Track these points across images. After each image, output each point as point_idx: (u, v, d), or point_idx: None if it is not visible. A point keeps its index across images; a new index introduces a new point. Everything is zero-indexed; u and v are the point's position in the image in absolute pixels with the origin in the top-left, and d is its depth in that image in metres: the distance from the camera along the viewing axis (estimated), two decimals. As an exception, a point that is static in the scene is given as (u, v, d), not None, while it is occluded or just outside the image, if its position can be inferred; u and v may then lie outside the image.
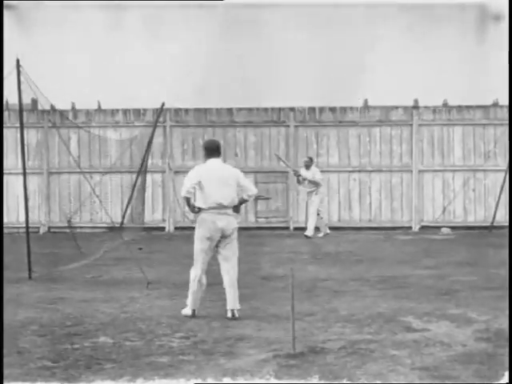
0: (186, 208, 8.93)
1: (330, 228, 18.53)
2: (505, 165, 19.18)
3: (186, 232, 17.00)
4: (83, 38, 20.14)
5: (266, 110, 20.28)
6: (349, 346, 6.99)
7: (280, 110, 20.27)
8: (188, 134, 20.22)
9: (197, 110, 20.30)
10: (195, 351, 6.93)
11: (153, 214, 19.99)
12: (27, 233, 11.90)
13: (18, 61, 11.48)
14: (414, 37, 20.39)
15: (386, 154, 20.13)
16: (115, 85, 20.56)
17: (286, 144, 20.18)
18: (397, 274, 11.77)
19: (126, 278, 11.54)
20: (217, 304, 8.93)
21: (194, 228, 8.68)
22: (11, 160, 19.34)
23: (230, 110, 20.28)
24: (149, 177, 18.97)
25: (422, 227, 19.85)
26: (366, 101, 20.38)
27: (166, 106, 18.61)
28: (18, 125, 13.63)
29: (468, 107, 20.11)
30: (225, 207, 8.51)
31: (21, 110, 12.05)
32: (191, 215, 8.75)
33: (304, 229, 17.92)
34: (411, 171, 20.05)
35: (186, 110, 20.29)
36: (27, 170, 12.78)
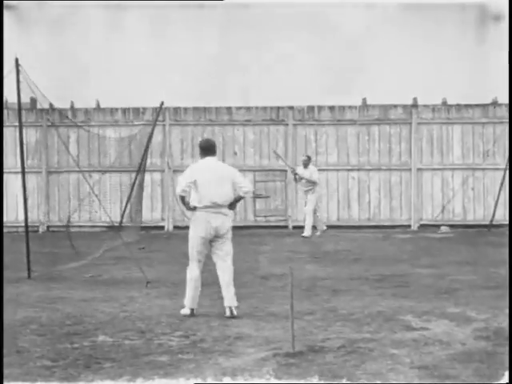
0: (182, 206, 8.93)
1: (329, 227, 18.53)
2: (504, 163, 19.19)
3: (185, 231, 16.84)
4: (82, 38, 20.15)
5: (264, 108, 20.26)
6: (348, 345, 6.99)
7: (279, 108, 20.25)
8: (187, 132, 20.21)
9: (196, 109, 20.30)
10: (194, 350, 6.93)
11: (152, 213, 19.99)
12: (26, 232, 11.89)
13: (16, 60, 11.49)
14: (414, 36, 20.42)
15: (384, 152, 20.12)
16: (114, 84, 20.57)
17: (284, 142, 20.17)
18: (396, 272, 11.77)
19: (126, 278, 11.54)
20: (216, 303, 8.93)
21: (191, 227, 8.70)
22: (10, 159, 19.35)
23: (228, 109, 20.26)
24: (148, 176, 18.94)
25: (421, 226, 19.85)
26: (364, 99, 20.36)
27: (165, 105, 18.59)
28: (17, 124, 13.61)
29: (467, 106, 20.09)
30: (220, 206, 8.49)
31: (20, 109, 12.04)
32: (190, 214, 8.72)
33: (303, 227, 17.90)
34: (410, 170, 20.05)
35: (185, 109, 20.28)
36: (26, 169, 12.78)
